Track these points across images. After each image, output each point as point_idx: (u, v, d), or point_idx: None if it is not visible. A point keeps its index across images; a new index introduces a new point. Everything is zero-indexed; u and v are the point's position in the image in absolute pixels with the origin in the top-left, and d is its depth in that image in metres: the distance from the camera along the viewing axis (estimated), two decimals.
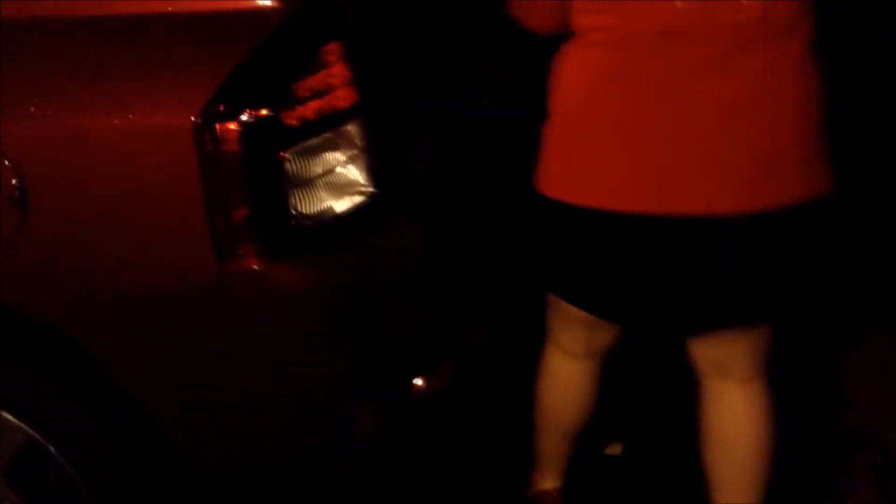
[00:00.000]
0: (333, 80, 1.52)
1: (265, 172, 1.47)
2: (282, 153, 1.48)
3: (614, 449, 2.37)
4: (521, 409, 2.08)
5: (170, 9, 1.48)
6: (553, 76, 1.67)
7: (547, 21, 1.66)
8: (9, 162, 1.46)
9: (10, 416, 1.63)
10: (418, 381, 1.70)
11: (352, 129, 1.56)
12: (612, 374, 2.02)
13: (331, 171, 1.56)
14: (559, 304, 1.86)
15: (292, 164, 1.50)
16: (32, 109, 1.46)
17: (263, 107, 1.46)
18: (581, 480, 2.19)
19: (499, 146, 1.90)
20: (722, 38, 1.51)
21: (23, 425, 1.63)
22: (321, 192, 1.55)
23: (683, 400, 1.98)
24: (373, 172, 1.61)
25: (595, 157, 1.59)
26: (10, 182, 1.46)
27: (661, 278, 1.61)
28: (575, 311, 1.82)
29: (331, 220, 1.57)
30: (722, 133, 1.52)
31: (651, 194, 1.55)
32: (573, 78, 1.64)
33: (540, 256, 1.78)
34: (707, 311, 1.67)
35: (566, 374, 1.96)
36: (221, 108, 1.43)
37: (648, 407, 2.45)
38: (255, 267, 1.48)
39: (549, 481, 2.15)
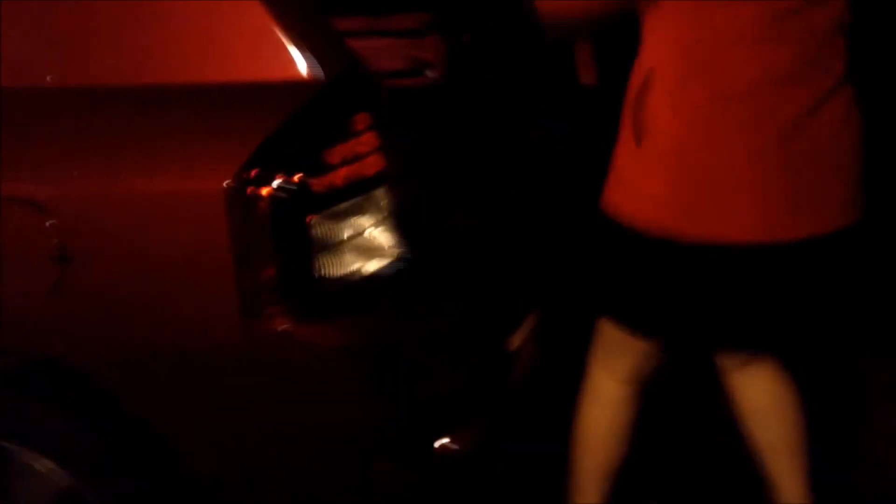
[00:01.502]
0: (362, 148, 1.58)
1: (293, 236, 1.52)
2: (310, 218, 1.53)
3: None
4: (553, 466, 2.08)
5: (208, 80, 1.56)
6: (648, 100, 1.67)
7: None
8: (50, 222, 1.53)
9: (51, 463, 1.69)
10: (443, 441, 1.73)
11: (380, 194, 1.61)
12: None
13: (359, 234, 1.61)
14: (619, 334, 1.88)
15: (320, 229, 1.55)
16: (75, 173, 1.55)
17: (293, 173, 1.51)
18: None
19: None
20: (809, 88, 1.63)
21: (63, 472, 1.69)
22: (349, 256, 1.60)
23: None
24: (403, 236, 1.66)
25: (716, 190, 1.63)
26: (52, 241, 1.53)
27: (765, 301, 1.72)
28: (636, 341, 1.87)
29: (358, 283, 1.61)
30: (818, 164, 1.65)
31: (767, 223, 1.64)
32: (680, 111, 1.64)
33: (625, 287, 1.80)
34: (794, 324, 1.79)
35: (613, 398, 1.99)
36: (252, 173, 1.50)
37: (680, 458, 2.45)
38: (281, 327, 1.53)
39: None
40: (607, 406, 2.01)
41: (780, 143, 1.62)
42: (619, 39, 1.88)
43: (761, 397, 2.00)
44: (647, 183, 1.69)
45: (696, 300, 1.72)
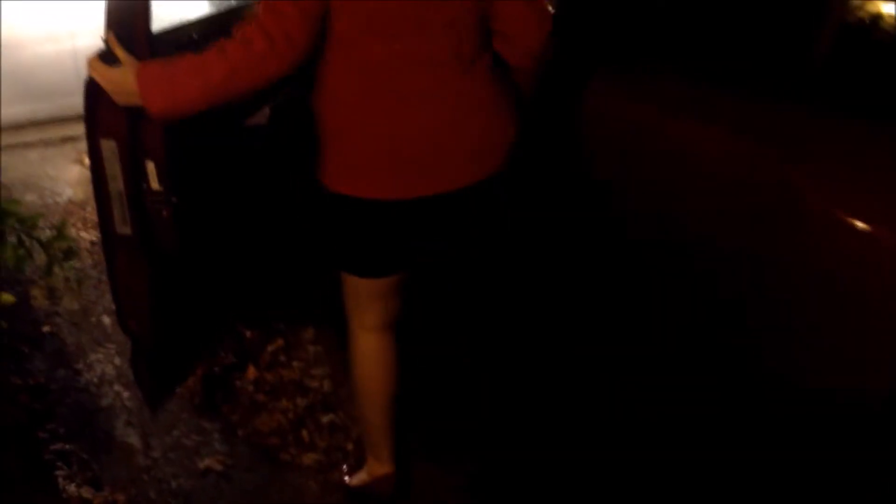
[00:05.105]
0: None
1: None
2: None
3: None
4: None
5: None
6: (323, 88, 2.00)
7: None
8: None
9: None
10: None
11: None
12: None
13: None
14: (356, 287, 2.25)
15: None
16: None
17: None
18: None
19: None
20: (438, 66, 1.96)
21: None
22: None
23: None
24: None
25: (370, 161, 2.01)
26: None
27: (426, 235, 2.12)
28: (368, 287, 2.22)
29: None
30: (452, 132, 2.01)
31: (411, 184, 2.02)
32: (341, 92, 1.98)
33: (335, 243, 2.16)
34: (447, 250, 2.20)
35: (376, 347, 2.32)
36: None
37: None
38: None
39: (385, 465, 2.45)
40: (374, 355, 2.32)
41: (414, 126, 1.98)
42: None
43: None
44: (350, 163, 2.03)
45: (396, 237, 2.11)
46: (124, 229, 2.08)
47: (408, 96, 1.96)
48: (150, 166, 2.04)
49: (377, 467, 2.45)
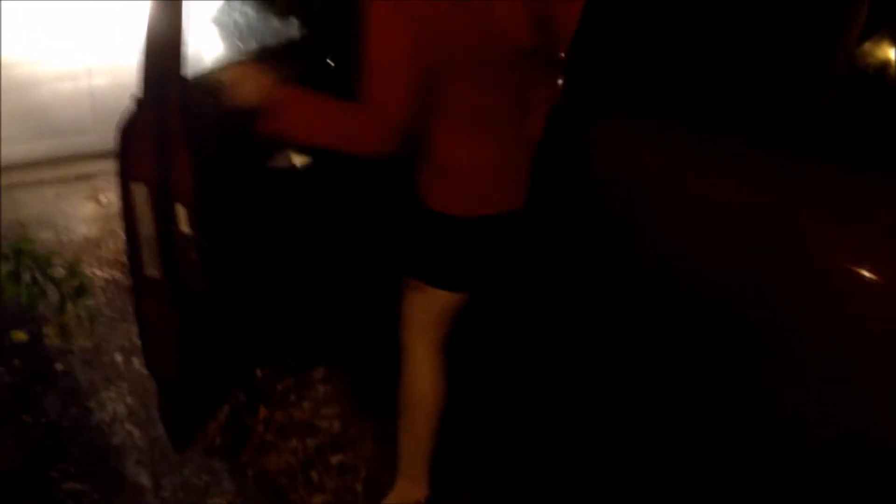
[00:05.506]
0: None
1: None
2: None
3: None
4: None
5: None
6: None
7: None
8: None
9: None
10: None
11: None
12: None
13: None
14: (437, 303, 2.34)
15: None
16: None
17: None
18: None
19: None
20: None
21: None
22: None
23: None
24: None
25: (480, 183, 2.22)
26: None
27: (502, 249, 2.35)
28: (448, 301, 2.33)
29: None
30: (516, 159, 2.29)
31: (499, 203, 2.25)
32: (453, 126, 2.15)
33: (433, 261, 2.30)
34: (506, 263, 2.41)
35: (436, 366, 2.42)
36: None
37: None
38: None
39: (422, 488, 2.50)
40: (432, 373, 2.41)
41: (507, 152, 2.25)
42: None
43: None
44: (460, 187, 2.21)
45: (479, 252, 2.31)
46: (153, 272, 2.10)
47: (511, 122, 2.22)
48: (181, 210, 2.07)
49: (413, 492, 2.50)
